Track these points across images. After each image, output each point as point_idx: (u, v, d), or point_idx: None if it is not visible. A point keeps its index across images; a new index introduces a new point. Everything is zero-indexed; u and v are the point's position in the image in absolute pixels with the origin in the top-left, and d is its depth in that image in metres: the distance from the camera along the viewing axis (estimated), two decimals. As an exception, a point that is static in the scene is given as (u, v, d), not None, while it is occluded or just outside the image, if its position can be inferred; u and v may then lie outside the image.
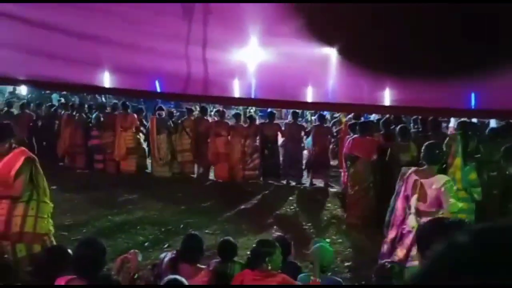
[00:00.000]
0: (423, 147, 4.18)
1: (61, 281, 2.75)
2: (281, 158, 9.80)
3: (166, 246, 5.67)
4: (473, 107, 2.68)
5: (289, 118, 10.52)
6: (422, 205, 3.93)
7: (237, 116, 10.46)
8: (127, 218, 7.04)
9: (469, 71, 2.51)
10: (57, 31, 2.59)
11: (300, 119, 10.98)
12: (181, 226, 6.59)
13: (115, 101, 11.39)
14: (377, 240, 4.95)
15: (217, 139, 9.82)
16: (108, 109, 11.44)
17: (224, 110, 10.63)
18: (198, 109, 10.98)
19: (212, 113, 11.73)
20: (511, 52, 2.39)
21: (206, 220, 6.99)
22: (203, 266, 3.65)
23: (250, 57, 2.87)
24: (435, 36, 2.51)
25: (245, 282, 3.30)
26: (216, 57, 2.93)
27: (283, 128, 9.93)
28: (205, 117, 10.46)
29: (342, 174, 8.54)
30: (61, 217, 6.91)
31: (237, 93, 3.13)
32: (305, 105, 4.60)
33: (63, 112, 11.54)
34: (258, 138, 9.76)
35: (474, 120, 7.82)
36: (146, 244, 5.90)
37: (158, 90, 3.16)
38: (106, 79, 3.07)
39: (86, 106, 11.66)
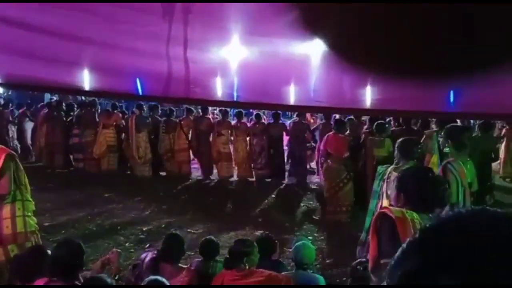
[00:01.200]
0: (397, 144, 4.12)
1: (39, 282, 2.72)
2: (285, 158, 9.84)
3: (147, 246, 5.64)
4: (451, 109, 2.73)
5: (294, 116, 10.46)
6: None
7: (239, 114, 10.38)
8: (108, 218, 6.96)
9: (447, 73, 2.56)
10: (34, 31, 2.55)
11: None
12: (163, 225, 6.56)
13: (93, 98, 11.26)
14: (358, 236, 5.06)
15: (219, 138, 9.79)
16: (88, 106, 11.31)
17: (227, 109, 10.62)
18: (198, 108, 10.85)
19: (215, 111, 11.67)
20: (489, 53, 2.44)
21: (188, 219, 6.97)
22: (184, 266, 3.64)
23: (232, 57, 2.87)
24: (416, 37, 2.55)
25: (225, 283, 3.31)
26: (197, 57, 2.93)
27: (288, 128, 9.89)
28: (206, 116, 10.40)
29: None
30: (40, 218, 6.73)
31: (219, 94, 3.13)
32: (288, 107, 4.63)
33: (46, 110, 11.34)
34: (264, 137, 9.72)
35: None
36: (127, 244, 5.85)
37: (140, 91, 3.14)
38: (86, 80, 3.03)
39: (64, 104, 11.45)
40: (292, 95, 3.15)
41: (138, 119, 9.92)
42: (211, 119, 10.40)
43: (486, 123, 7.64)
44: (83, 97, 11.58)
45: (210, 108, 11.13)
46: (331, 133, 7.52)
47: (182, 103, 8.97)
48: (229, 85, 3.14)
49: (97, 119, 10.42)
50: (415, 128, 8.03)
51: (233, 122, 10.38)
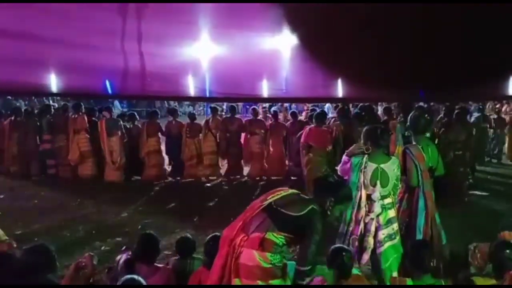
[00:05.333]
0: (365, 133, 4.13)
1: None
2: None
3: (123, 248, 5.56)
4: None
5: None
6: (383, 190, 4.01)
7: (275, 113, 10.26)
8: (82, 223, 6.83)
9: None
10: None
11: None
12: (139, 227, 6.48)
13: (63, 102, 11.01)
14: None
15: (252, 138, 9.65)
16: (58, 110, 11.01)
17: (256, 107, 10.53)
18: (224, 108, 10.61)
19: (249, 111, 11.59)
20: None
21: (165, 220, 6.91)
22: (160, 265, 3.61)
23: (204, 52, 2.85)
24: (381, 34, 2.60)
25: (203, 281, 3.29)
26: (168, 52, 2.90)
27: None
28: (236, 116, 10.23)
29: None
30: (12, 226, 6.64)
31: (191, 89, 3.11)
32: (261, 99, 4.64)
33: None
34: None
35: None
36: (103, 248, 5.76)
37: (109, 90, 3.09)
38: (52, 81, 2.96)
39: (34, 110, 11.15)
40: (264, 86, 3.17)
41: (108, 123, 9.60)
42: (242, 119, 10.25)
43: (462, 110, 7.96)
44: (50, 101, 11.32)
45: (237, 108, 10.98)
46: (311, 126, 7.60)
47: (153, 99, 8.86)
48: (201, 79, 3.13)
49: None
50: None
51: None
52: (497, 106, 12.19)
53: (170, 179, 9.97)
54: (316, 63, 2.84)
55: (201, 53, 2.74)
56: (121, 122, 10.02)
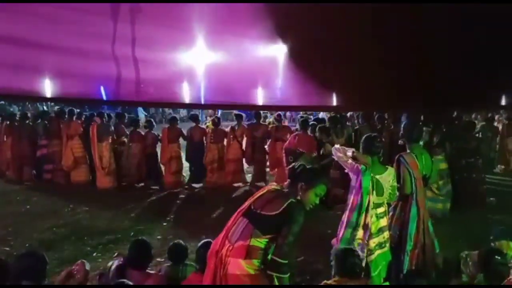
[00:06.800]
0: (362, 140, 4.21)
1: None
2: None
3: (115, 254, 5.53)
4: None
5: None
6: (377, 198, 4.04)
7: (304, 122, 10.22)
8: (74, 228, 6.79)
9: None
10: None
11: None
12: (131, 233, 6.45)
13: (58, 107, 10.97)
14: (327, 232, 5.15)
15: (278, 144, 9.54)
16: (53, 116, 10.96)
17: (281, 113, 10.46)
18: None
19: (271, 119, 11.47)
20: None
21: (157, 226, 6.88)
22: (152, 272, 3.59)
23: (199, 59, 2.85)
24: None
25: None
26: (163, 59, 2.90)
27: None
28: (261, 122, 10.16)
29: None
30: (3, 231, 6.60)
31: (186, 96, 3.11)
32: (255, 106, 4.65)
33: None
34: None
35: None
36: (94, 254, 5.72)
37: (104, 96, 3.08)
38: (46, 86, 2.96)
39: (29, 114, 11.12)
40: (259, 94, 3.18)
41: (99, 128, 9.53)
42: (268, 126, 10.18)
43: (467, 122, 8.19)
44: (44, 107, 11.28)
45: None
46: (298, 132, 7.99)
47: (149, 106, 8.86)
48: (195, 86, 3.13)
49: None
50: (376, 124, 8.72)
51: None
52: (489, 115, 12.30)
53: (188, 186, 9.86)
54: (310, 71, 2.85)
55: (195, 60, 2.74)
56: (112, 128, 9.98)
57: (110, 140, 9.62)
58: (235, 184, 9.79)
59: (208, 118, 14.23)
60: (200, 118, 11.78)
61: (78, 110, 11.01)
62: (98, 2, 2.42)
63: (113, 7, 2.35)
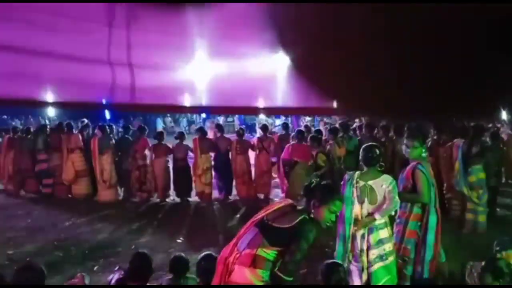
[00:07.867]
0: (360, 151, 4.23)
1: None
2: None
3: (116, 268, 5.47)
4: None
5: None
6: (371, 207, 4.02)
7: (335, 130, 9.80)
8: (75, 243, 6.74)
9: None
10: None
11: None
12: (133, 247, 6.39)
13: (59, 121, 10.94)
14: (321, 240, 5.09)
15: (261, 155, 9.58)
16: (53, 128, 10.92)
17: (308, 124, 10.41)
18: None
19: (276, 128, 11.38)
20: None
21: (159, 239, 6.84)
22: (153, 285, 3.55)
23: (201, 65, 2.85)
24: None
25: None
26: (160, 64, 2.90)
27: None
28: (289, 133, 10.05)
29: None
30: (3, 246, 6.56)
31: (187, 101, 3.11)
32: (256, 111, 4.67)
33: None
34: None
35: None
36: (95, 268, 5.67)
37: (104, 101, 3.08)
38: (44, 92, 2.95)
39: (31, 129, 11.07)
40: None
41: (100, 141, 9.45)
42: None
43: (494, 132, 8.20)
44: (46, 121, 11.28)
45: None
46: (293, 142, 8.23)
47: (140, 111, 8.83)
48: (194, 92, 3.12)
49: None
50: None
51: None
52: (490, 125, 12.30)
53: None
54: (311, 77, 2.84)
55: (195, 67, 2.74)
56: (113, 141, 9.85)
57: (110, 153, 9.52)
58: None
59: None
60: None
61: (79, 124, 10.93)
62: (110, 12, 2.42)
63: (112, 14, 2.36)
